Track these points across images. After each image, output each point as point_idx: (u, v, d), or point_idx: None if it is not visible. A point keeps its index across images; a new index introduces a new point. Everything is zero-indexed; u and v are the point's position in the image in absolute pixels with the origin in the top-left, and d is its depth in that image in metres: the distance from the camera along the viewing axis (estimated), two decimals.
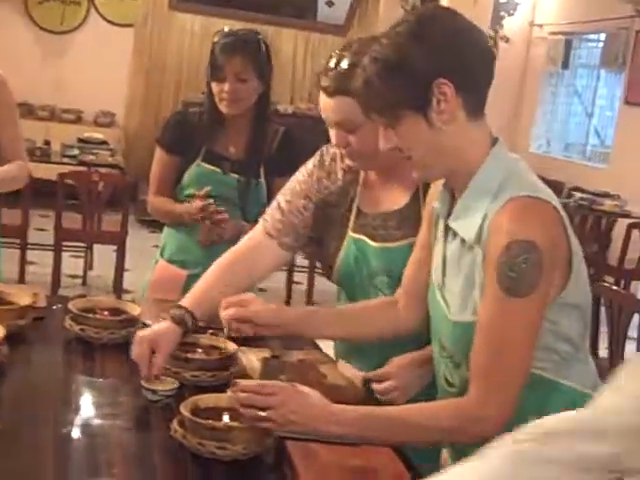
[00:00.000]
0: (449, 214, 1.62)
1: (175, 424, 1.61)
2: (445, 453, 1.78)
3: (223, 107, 2.70)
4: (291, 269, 6.16)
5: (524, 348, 1.49)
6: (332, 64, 1.91)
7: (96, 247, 6.02)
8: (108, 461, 1.54)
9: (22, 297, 2.18)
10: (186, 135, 2.78)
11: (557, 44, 9.26)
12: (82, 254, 6.05)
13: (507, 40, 8.84)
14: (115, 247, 5.56)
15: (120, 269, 5.44)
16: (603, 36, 8.74)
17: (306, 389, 1.61)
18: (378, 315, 1.91)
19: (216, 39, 2.73)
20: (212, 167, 2.78)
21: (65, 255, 5.62)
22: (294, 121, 8.56)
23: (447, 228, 1.64)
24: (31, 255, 5.73)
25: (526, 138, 9.75)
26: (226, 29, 2.78)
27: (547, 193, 1.53)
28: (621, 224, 6.84)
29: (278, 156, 2.79)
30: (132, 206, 6.15)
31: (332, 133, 1.97)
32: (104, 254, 5.98)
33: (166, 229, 2.95)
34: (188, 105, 2.88)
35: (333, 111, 1.92)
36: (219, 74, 2.67)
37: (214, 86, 2.70)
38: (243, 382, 1.65)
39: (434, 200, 1.70)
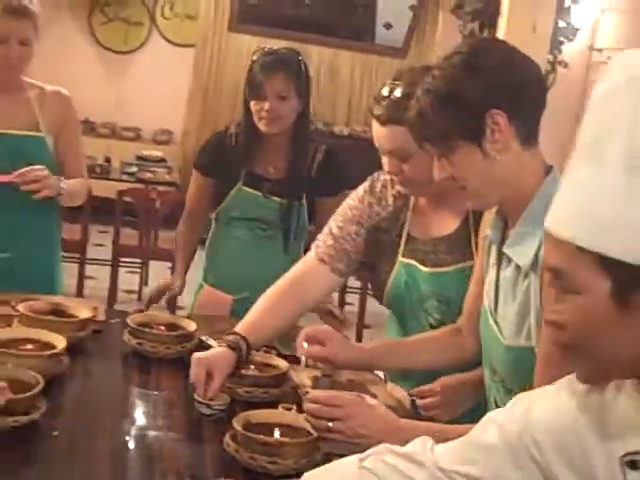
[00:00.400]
0: (502, 241, 1.64)
1: (228, 438, 1.65)
2: None
3: (263, 126, 2.68)
4: (343, 290, 6.18)
5: None
6: (385, 93, 1.94)
7: (152, 263, 6.12)
8: (162, 472, 1.59)
9: (82, 310, 2.25)
10: (223, 158, 2.77)
11: None
12: (138, 270, 6.15)
13: (566, 65, 8.76)
14: (170, 264, 5.64)
15: None
16: None
17: (373, 401, 1.65)
18: (446, 344, 1.96)
19: (255, 57, 2.72)
20: (253, 191, 2.76)
21: (122, 270, 5.73)
22: (350, 143, 8.62)
23: (501, 254, 1.66)
24: (89, 270, 5.83)
25: None
26: (266, 48, 2.77)
27: None
28: None
29: (319, 176, 2.77)
30: None
31: (385, 160, 2.00)
32: (159, 270, 6.08)
33: (207, 254, 2.94)
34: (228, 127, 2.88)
35: (386, 139, 1.96)
36: (259, 92, 2.65)
37: (253, 105, 2.68)
38: (314, 392, 1.71)
39: (486, 228, 1.73)
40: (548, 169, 1.62)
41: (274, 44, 2.87)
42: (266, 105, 2.64)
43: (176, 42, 9.15)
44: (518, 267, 1.59)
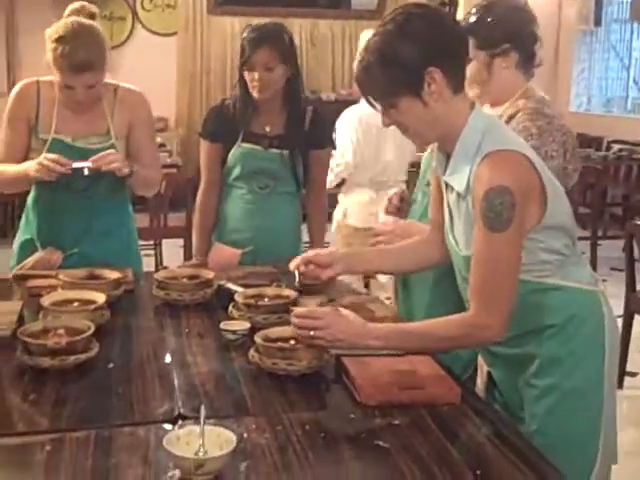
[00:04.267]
0: (445, 171, 1.97)
1: (252, 351, 2.00)
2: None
3: (255, 93, 3.03)
4: None
5: (507, 268, 1.84)
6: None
7: (164, 243, 6.44)
8: (202, 383, 1.93)
9: (113, 274, 2.59)
10: (225, 123, 3.10)
11: (587, 2, 9.43)
12: (152, 251, 6.49)
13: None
14: (182, 242, 5.98)
15: (189, 259, 5.84)
16: None
17: (346, 312, 1.97)
18: (415, 251, 2.28)
19: (245, 34, 3.05)
20: (253, 145, 3.10)
21: None
22: (337, 107, 8.84)
23: (446, 183, 1.99)
24: None
25: (566, 98, 9.93)
26: (253, 25, 3.08)
27: (518, 144, 1.90)
28: None
29: (312, 130, 3.13)
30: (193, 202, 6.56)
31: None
32: (173, 249, 6.40)
33: (219, 211, 3.21)
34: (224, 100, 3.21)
35: None
36: (248, 65, 3.00)
37: (246, 75, 3.03)
38: (296, 309, 2.04)
39: (434, 160, 2.08)
40: (472, 106, 1.94)
41: (254, 22, 3.16)
42: (255, 75, 2.99)
43: (159, 32, 9.42)
44: (458, 192, 1.93)
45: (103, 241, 2.93)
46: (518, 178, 1.81)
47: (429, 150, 2.57)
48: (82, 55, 2.65)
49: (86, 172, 2.71)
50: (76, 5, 2.83)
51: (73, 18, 2.75)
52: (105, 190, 2.89)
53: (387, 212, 2.73)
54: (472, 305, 1.87)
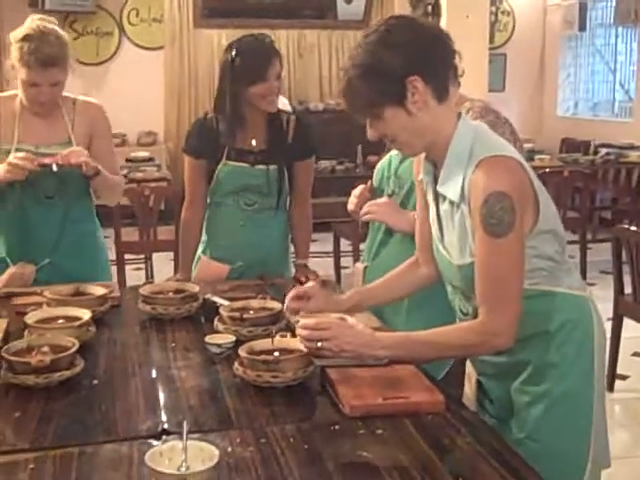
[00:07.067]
0: (436, 181, 1.98)
1: (236, 364, 2.00)
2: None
3: (267, 106, 2.98)
4: (338, 255, 6.55)
5: (513, 273, 1.85)
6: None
7: (155, 257, 6.45)
8: (186, 397, 1.93)
9: (99, 290, 2.59)
10: (209, 138, 3.06)
11: (571, 8, 9.49)
12: (143, 265, 6.49)
13: (509, 14, 9.24)
14: (172, 255, 5.97)
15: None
16: None
17: (353, 321, 1.98)
18: (408, 278, 2.29)
19: (235, 48, 2.96)
20: (238, 163, 3.06)
21: (127, 268, 6.07)
22: (325, 117, 8.93)
23: (437, 193, 1.99)
24: None
25: (553, 103, 9.99)
26: (241, 36, 3.03)
27: (508, 149, 1.90)
28: None
29: (295, 141, 3.10)
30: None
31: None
32: (163, 262, 6.40)
33: (207, 227, 3.20)
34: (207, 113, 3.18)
35: None
36: (261, 76, 2.92)
37: (258, 88, 2.93)
38: (303, 321, 2.01)
39: (420, 173, 2.07)
40: (459, 115, 1.95)
41: (241, 34, 3.11)
42: (271, 87, 2.95)
43: (146, 46, 9.46)
44: (451, 201, 1.93)
45: (74, 250, 2.98)
46: (514, 183, 1.82)
47: (384, 160, 2.60)
48: (48, 50, 2.75)
49: (54, 168, 2.77)
50: (37, 15, 2.91)
51: (37, 21, 2.83)
52: (72, 196, 2.95)
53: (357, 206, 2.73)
54: (482, 312, 1.87)
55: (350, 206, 2.74)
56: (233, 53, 2.97)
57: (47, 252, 2.95)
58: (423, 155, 2.03)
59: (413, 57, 1.85)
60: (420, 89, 1.85)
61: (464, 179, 1.87)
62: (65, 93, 2.96)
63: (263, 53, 2.97)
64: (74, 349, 2.03)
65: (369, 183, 2.71)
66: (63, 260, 2.95)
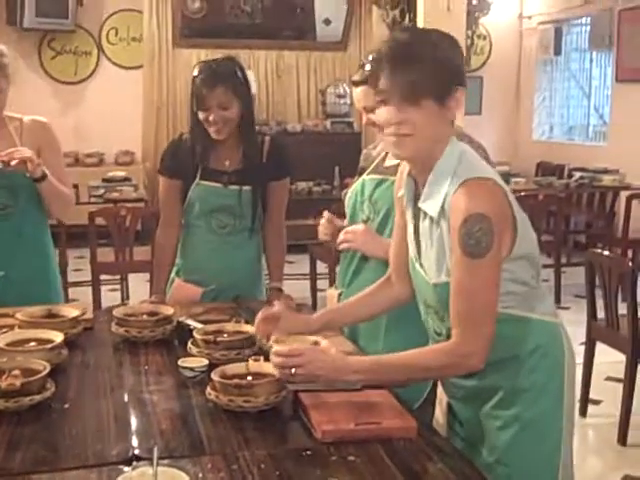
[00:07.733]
0: (416, 198, 1.99)
1: (209, 389, 2.00)
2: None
3: (213, 134, 2.98)
4: (314, 277, 6.54)
5: (488, 294, 1.86)
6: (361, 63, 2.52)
7: (130, 278, 6.41)
8: (158, 422, 1.92)
9: (72, 312, 2.58)
10: (183, 159, 3.05)
11: (547, 32, 9.60)
12: (118, 286, 6.46)
13: (485, 38, 9.45)
14: (148, 276, 5.94)
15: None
16: (589, 19, 9.07)
17: (326, 347, 1.98)
18: (381, 296, 2.29)
19: (196, 72, 2.99)
20: (212, 183, 3.05)
21: (103, 289, 6.03)
22: (303, 138, 8.96)
23: (418, 210, 2.01)
24: (71, 293, 6.08)
25: (529, 127, 10.08)
26: (203, 60, 3.04)
27: (491, 172, 1.93)
28: (623, 198, 7.15)
29: (269, 162, 3.09)
30: None
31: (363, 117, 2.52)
32: (139, 283, 6.37)
33: (181, 249, 3.18)
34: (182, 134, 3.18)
35: (362, 97, 2.50)
36: (203, 105, 2.94)
37: (200, 114, 2.97)
38: (276, 348, 2.00)
39: (400, 189, 2.08)
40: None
41: (219, 54, 3.13)
42: (211, 116, 2.94)
43: (125, 65, 9.45)
44: (432, 218, 1.94)
45: (27, 263, 3.01)
46: (494, 206, 1.84)
47: (356, 184, 2.63)
48: None
49: None
50: None
51: None
52: (24, 208, 2.96)
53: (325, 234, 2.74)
54: (456, 333, 1.87)
55: (323, 237, 2.74)
56: (194, 74, 3.01)
57: (1, 265, 2.98)
58: (405, 170, 2.04)
59: (463, 70, 1.95)
60: (459, 101, 1.90)
61: (445, 196, 1.88)
62: (11, 114, 3.02)
63: (207, 81, 2.94)
64: (45, 372, 2.02)
65: (328, 215, 2.73)
66: (16, 273, 2.98)
